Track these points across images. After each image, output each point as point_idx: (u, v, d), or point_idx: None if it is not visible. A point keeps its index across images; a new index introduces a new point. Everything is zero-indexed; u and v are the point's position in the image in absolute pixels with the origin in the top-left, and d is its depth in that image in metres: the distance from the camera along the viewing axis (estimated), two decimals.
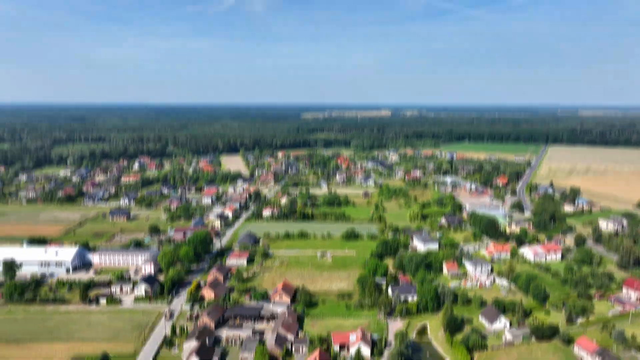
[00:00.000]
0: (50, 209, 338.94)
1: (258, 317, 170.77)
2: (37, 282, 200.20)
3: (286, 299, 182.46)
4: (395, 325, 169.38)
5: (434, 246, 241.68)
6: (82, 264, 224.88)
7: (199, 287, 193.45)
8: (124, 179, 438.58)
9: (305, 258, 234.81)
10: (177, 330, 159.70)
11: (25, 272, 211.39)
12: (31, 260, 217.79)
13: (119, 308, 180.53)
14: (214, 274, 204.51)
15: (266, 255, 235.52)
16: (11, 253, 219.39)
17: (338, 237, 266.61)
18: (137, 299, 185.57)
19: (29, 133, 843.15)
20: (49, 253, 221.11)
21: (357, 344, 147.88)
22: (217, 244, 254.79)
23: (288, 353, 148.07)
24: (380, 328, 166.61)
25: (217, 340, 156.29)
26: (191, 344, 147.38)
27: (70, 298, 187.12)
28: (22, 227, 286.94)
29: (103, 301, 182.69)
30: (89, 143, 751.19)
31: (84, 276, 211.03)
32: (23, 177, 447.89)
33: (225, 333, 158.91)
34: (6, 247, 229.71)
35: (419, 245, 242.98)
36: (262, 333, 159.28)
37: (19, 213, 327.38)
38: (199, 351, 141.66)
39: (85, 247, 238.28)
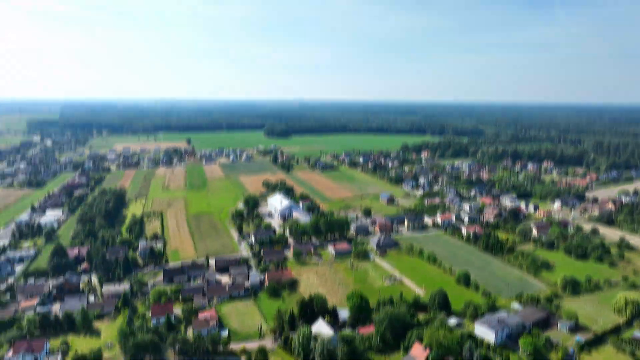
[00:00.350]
0: (381, 185, 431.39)
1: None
2: (256, 215, 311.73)
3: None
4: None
5: (489, 336, 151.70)
6: (289, 215, 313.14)
7: None
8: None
9: (377, 274, 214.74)
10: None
11: (264, 209, 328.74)
12: (272, 204, 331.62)
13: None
14: (292, 247, 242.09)
15: (364, 256, 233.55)
16: (271, 198, 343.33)
17: (456, 274, 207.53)
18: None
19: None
20: (280, 203, 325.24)
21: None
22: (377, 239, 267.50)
23: (189, 300, 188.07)
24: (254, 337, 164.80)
25: (200, 275, 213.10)
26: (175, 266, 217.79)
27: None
28: (334, 188, 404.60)
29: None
30: (536, 143, 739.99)
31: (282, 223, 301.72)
32: (425, 162, 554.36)
33: (206, 274, 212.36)
34: (275, 194, 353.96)
35: (481, 327, 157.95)
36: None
37: (362, 182, 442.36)
38: (167, 270, 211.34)
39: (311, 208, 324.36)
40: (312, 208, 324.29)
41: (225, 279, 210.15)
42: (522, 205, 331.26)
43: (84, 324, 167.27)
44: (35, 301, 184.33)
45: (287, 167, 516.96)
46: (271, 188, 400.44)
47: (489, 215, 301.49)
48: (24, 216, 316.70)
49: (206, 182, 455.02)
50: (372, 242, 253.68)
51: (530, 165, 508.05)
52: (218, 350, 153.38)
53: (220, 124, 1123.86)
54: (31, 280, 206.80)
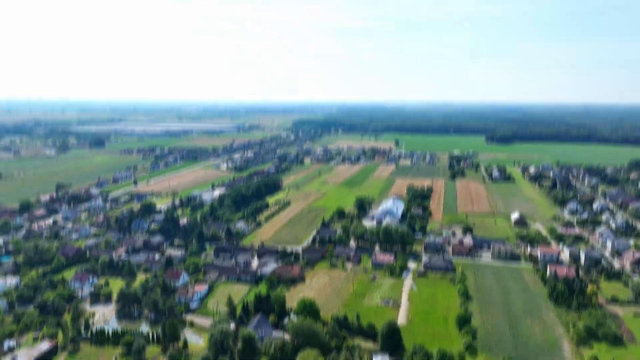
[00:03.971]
0: (538, 204, 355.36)
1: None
2: (356, 215, 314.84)
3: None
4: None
5: None
6: (383, 220, 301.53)
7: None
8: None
9: (382, 293, 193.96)
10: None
11: (375, 211, 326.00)
12: (380, 207, 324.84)
13: None
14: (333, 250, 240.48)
15: (399, 272, 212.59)
16: (383, 201, 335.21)
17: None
18: None
19: None
20: (381, 208, 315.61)
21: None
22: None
23: (206, 273, 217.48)
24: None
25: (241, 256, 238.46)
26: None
27: None
28: (478, 201, 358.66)
29: None
30: None
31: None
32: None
33: (237, 256, 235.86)
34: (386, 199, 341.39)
35: None
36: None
37: (520, 199, 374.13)
38: (217, 247, 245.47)
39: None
40: (415, 217, 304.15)
41: (255, 264, 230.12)
42: None
43: (129, 272, 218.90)
44: (123, 250, 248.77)
45: (455, 174, 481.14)
46: (410, 193, 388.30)
47: (627, 261, 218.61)
48: (202, 192, 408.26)
49: (365, 180, 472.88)
50: (424, 261, 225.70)
51: None
52: (177, 317, 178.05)
53: (448, 127, 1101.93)
54: (145, 237, 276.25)
